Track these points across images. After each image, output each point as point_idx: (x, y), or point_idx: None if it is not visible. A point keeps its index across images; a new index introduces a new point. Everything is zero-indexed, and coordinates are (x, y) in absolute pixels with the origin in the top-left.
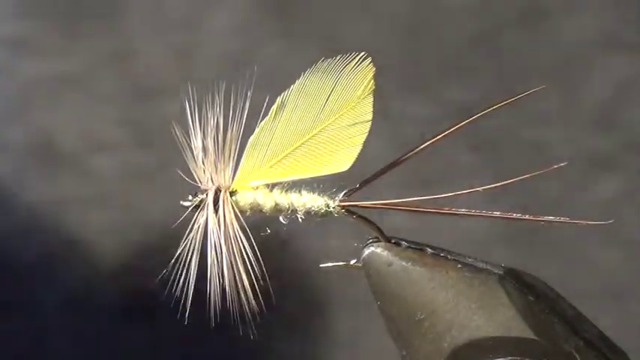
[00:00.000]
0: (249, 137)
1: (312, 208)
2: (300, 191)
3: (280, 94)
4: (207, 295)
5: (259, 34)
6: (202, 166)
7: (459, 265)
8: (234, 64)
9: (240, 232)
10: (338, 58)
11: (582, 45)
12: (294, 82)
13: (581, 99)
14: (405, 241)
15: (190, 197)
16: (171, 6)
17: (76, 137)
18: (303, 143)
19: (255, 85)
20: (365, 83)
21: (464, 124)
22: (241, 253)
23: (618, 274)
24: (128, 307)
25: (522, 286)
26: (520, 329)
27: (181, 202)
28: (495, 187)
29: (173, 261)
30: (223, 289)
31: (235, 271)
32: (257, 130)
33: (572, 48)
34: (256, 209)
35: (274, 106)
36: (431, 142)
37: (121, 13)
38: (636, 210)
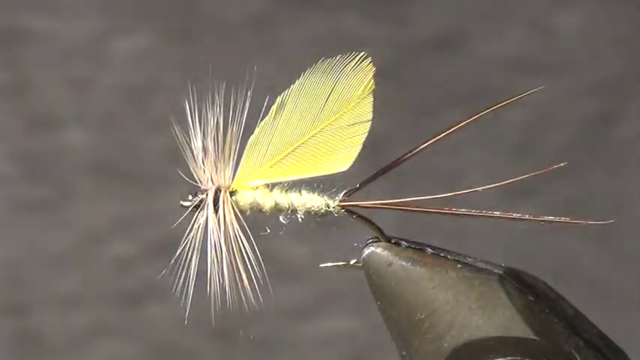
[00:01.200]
0: (249, 137)
1: (312, 208)
2: (300, 191)
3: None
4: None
5: (160, 64)
6: (202, 166)
7: (459, 265)
8: (134, 94)
9: (240, 232)
10: (338, 58)
11: (498, 70)
12: (295, 83)
13: (497, 125)
14: (405, 241)
15: (190, 197)
16: (69, 35)
17: None
18: (303, 143)
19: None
20: (365, 83)
21: (464, 124)
22: (241, 253)
23: None
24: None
25: (522, 286)
26: (520, 329)
27: (181, 202)
28: (495, 187)
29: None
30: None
31: (235, 271)
32: (257, 130)
33: (488, 73)
34: (256, 209)
35: (274, 106)
36: (430, 142)
37: (14, 43)
38: (551, 238)
